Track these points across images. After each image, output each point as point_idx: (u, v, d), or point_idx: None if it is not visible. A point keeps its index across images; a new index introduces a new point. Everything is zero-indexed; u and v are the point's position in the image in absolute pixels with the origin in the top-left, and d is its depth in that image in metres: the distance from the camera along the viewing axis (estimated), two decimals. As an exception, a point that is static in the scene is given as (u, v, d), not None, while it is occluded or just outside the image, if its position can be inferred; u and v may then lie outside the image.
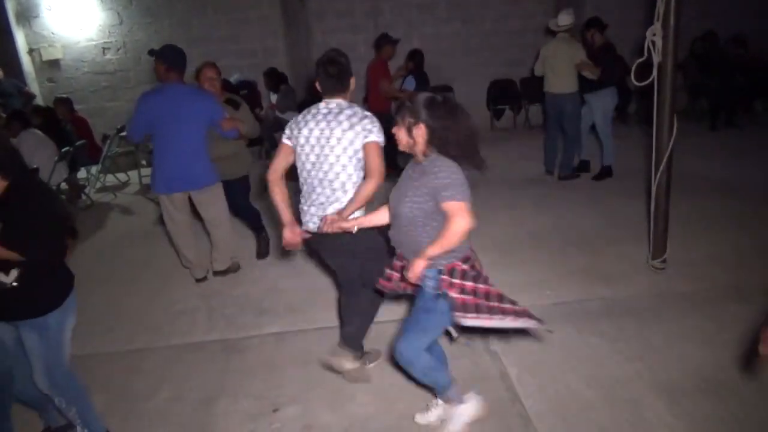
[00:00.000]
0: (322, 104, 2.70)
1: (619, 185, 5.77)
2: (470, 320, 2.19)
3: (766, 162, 6.15)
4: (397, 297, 3.06)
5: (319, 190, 2.70)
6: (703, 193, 5.27)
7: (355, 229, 2.57)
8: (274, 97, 8.04)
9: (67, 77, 8.70)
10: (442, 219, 2.15)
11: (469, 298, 2.19)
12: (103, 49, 8.64)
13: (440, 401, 2.59)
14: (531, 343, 3.16)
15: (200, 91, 4.06)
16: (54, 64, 8.60)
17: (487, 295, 2.22)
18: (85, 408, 2.50)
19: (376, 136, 2.61)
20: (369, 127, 2.61)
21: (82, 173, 7.30)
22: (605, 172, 6.08)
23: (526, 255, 4.33)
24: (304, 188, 2.77)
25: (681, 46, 3.69)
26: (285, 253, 4.62)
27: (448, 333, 2.41)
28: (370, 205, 2.70)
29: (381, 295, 2.78)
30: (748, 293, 3.50)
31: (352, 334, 2.93)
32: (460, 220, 2.10)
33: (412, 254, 2.22)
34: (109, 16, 8.50)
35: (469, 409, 2.51)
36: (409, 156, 2.32)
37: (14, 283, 2.21)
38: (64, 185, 6.61)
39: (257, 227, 4.71)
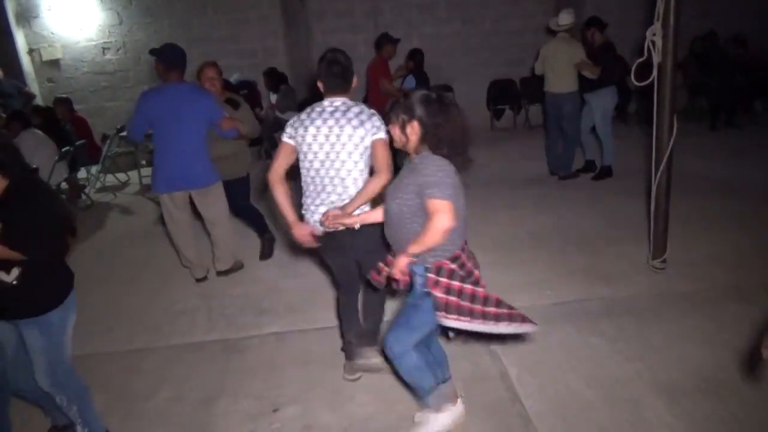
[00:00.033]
0: (326, 102, 2.69)
1: (619, 185, 5.77)
2: (451, 321, 2.17)
3: (766, 162, 6.15)
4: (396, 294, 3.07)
5: (329, 188, 2.69)
6: (703, 193, 5.27)
7: (358, 225, 2.57)
8: (274, 97, 8.04)
9: (67, 77, 8.70)
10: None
11: (452, 299, 2.17)
12: (103, 49, 8.64)
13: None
14: (531, 343, 3.16)
15: (200, 91, 4.05)
16: (54, 64, 8.60)
17: (473, 297, 2.19)
18: (86, 407, 2.50)
19: (384, 134, 2.62)
20: (378, 124, 2.64)
21: (82, 173, 7.30)
22: (605, 172, 6.08)
23: (526, 255, 4.33)
24: (311, 188, 2.74)
25: (681, 46, 3.69)
26: (289, 252, 4.64)
27: (445, 332, 2.41)
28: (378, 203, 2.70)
29: (374, 289, 2.78)
30: (748, 293, 3.50)
31: (370, 330, 2.98)
32: (440, 218, 2.08)
33: (401, 250, 2.23)
34: (108, 16, 8.50)
35: (443, 418, 2.50)
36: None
37: (15, 282, 2.21)
38: (64, 185, 6.62)
39: (261, 229, 4.69)
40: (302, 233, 2.76)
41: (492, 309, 2.20)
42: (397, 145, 2.29)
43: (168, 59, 3.89)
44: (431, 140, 2.15)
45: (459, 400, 2.61)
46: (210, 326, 3.72)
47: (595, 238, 4.54)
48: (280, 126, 7.66)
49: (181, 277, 4.45)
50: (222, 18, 8.59)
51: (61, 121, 6.95)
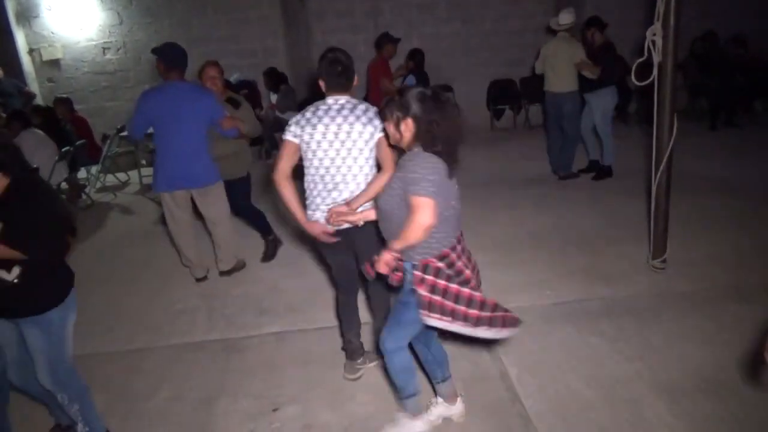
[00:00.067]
0: (330, 100, 2.68)
1: (619, 185, 5.77)
2: (433, 320, 2.17)
3: (766, 162, 6.16)
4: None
5: (342, 186, 2.68)
6: (703, 193, 5.27)
7: (361, 222, 2.56)
8: (274, 97, 8.05)
9: (67, 77, 8.70)
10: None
11: (436, 298, 2.16)
12: (103, 49, 8.64)
13: (440, 399, 2.60)
14: (531, 343, 3.17)
15: (201, 90, 4.05)
16: (54, 64, 8.60)
17: (457, 297, 2.17)
18: (87, 406, 2.51)
19: None
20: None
21: (82, 173, 7.30)
22: (605, 172, 6.08)
23: (526, 255, 4.34)
24: (320, 186, 2.71)
25: (681, 46, 3.69)
26: (289, 252, 4.66)
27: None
28: None
29: (364, 281, 2.78)
30: (748, 293, 3.50)
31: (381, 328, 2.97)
32: (420, 215, 2.08)
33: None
34: (109, 16, 8.50)
35: (417, 426, 2.51)
36: None
37: (15, 281, 2.22)
38: (64, 185, 6.62)
39: (264, 230, 4.68)
40: (317, 231, 2.73)
41: (474, 311, 2.19)
42: (392, 141, 2.30)
43: (168, 58, 3.89)
44: (425, 137, 2.14)
45: (459, 399, 2.62)
46: (210, 326, 3.72)
47: (595, 238, 4.54)
48: (281, 126, 7.67)
49: (181, 276, 4.45)
50: (222, 18, 8.59)
51: (62, 121, 6.94)
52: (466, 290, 2.19)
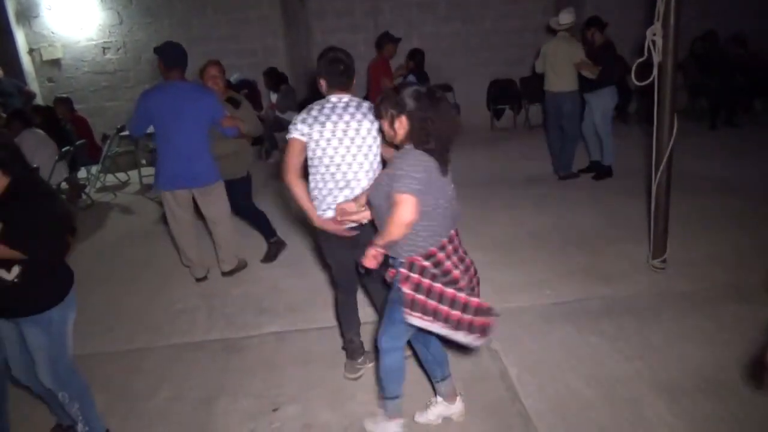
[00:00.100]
0: (334, 98, 2.68)
1: (619, 185, 5.77)
2: (414, 319, 2.17)
3: (766, 161, 6.16)
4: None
5: (354, 183, 2.67)
6: (703, 193, 5.27)
7: (365, 220, 2.57)
8: (274, 97, 8.05)
9: (67, 77, 8.71)
10: None
11: (419, 296, 2.16)
12: (103, 48, 8.64)
13: (439, 398, 2.60)
14: (531, 342, 3.17)
15: (202, 89, 4.05)
16: (54, 63, 8.61)
17: (441, 297, 2.17)
18: (87, 405, 2.51)
19: None
20: None
21: (82, 173, 7.30)
22: (605, 172, 6.08)
23: (526, 255, 4.34)
24: (330, 185, 2.69)
25: (681, 46, 3.69)
26: (290, 252, 4.66)
27: None
28: None
29: (359, 274, 2.78)
30: (748, 293, 3.50)
31: None
32: (400, 211, 2.09)
33: None
34: (109, 15, 8.50)
35: (391, 428, 2.51)
36: None
37: (15, 280, 2.22)
38: (64, 185, 6.61)
39: (267, 232, 4.66)
40: (334, 227, 2.69)
41: (457, 312, 2.18)
42: (387, 139, 2.31)
43: (169, 58, 3.89)
44: (418, 135, 2.13)
45: (458, 398, 2.62)
46: (210, 326, 3.72)
47: (595, 238, 4.54)
48: (281, 126, 7.67)
49: (181, 276, 4.45)
50: (222, 18, 8.59)
51: (62, 121, 6.94)
52: (450, 290, 2.18)
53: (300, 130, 2.65)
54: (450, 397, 2.59)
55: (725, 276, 3.79)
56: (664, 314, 3.38)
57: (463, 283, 2.24)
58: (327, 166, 2.67)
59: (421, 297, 2.16)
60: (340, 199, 2.68)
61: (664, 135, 3.65)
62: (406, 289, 2.17)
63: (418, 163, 2.11)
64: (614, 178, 6.01)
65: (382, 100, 2.23)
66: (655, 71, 3.59)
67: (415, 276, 2.17)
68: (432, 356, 2.52)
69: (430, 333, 2.29)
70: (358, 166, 2.67)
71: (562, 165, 6.21)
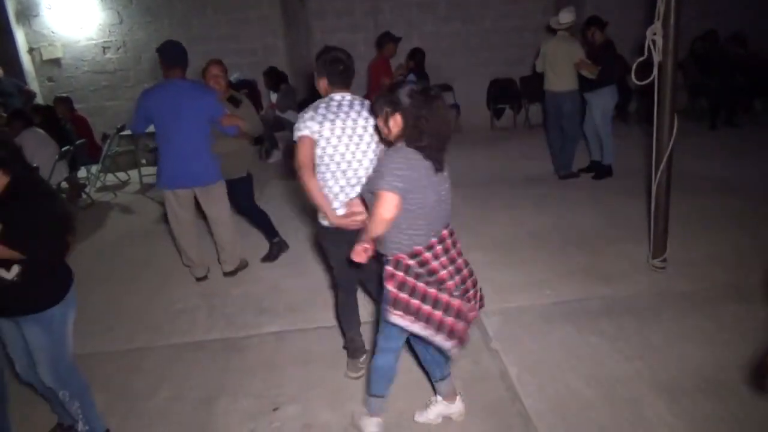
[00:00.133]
0: (337, 96, 2.68)
1: (619, 185, 5.77)
2: (396, 317, 2.17)
3: (766, 161, 6.16)
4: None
5: (364, 180, 2.65)
6: (703, 193, 5.27)
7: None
8: (274, 97, 8.04)
9: (67, 76, 8.70)
10: None
11: (403, 295, 2.16)
12: (103, 48, 8.64)
13: (439, 398, 2.60)
14: (531, 342, 3.17)
15: (202, 87, 4.05)
16: (54, 63, 8.60)
17: (424, 298, 2.16)
18: (87, 404, 2.52)
19: None
20: None
21: (82, 172, 7.29)
22: (605, 172, 6.08)
23: (526, 255, 4.33)
24: (341, 182, 2.68)
25: (681, 46, 3.69)
26: (290, 252, 4.67)
27: None
28: None
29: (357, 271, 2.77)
30: (748, 293, 3.50)
31: None
32: (380, 208, 2.10)
33: None
34: (109, 15, 8.50)
35: (371, 426, 2.52)
36: None
37: (15, 279, 2.22)
38: (64, 184, 6.61)
39: (269, 232, 4.64)
40: (347, 222, 2.66)
41: (438, 313, 2.17)
42: (383, 136, 2.31)
43: (169, 56, 3.89)
44: (411, 133, 2.13)
45: (458, 397, 2.62)
46: (210, 325, 3.72)
47: (595, 238, 4.54)
48: (281, 125, 7.67)
49: (181, 276, 4.45)
50: (222, 17, 8.58)
51: (62, 120, 6.94)
52: (432, 291, 2.18)
53: (310, 127, 2.63)
54: (450, 397, 2.59)
55: (725, 276, 3.79)
56: (664, 314, 3.38)
57: (451, 283, 2.22)
58: (338, 164, 2.67)
59: (404, 296, 2.16)
60: (353, 196, 2.69)
61: (664, 135, 3.65)
62: (390, 287, 2.17)
63: (404, 161, 2.11)
64: (614, 177, 6.01)
65: (378, 98, 2.23)
66: (655, 71, 3.59)
67: (399, 274, 2.18)
68: (432, 357, 2.52)
69: (412, 335, 2.28)
70: (369, 163, 2.69)
71: (562, 165, 6.21)
